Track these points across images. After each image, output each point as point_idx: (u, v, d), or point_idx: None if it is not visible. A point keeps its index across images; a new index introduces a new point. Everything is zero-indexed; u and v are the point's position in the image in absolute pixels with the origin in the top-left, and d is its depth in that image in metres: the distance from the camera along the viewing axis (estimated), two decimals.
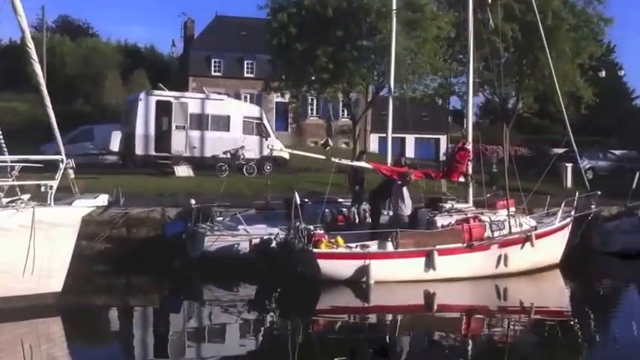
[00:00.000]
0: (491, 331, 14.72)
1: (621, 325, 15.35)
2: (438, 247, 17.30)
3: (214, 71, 52.64)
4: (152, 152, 28.78)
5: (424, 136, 58.02)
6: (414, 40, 29.39)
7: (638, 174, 23.88)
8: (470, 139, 19.70)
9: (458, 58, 33.59)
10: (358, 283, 16.66)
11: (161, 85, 31.33)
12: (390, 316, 15.80)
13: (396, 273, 17.02)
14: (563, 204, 20.03)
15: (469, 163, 19.43)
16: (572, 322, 15.60)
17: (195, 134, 29.43)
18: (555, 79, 23.37)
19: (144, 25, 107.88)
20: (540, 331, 14.48)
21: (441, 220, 17.95)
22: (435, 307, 16.49)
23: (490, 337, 14.30)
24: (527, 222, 19.31)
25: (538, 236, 18.68)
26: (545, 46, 23.17)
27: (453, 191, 21.43)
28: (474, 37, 19.56)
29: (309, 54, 29.03)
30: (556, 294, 18.71)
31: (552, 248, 19.42)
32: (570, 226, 20.22)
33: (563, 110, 22.23)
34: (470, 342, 13.63)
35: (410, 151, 60.35)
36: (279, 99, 53.83)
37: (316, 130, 55.78)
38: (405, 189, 18.15)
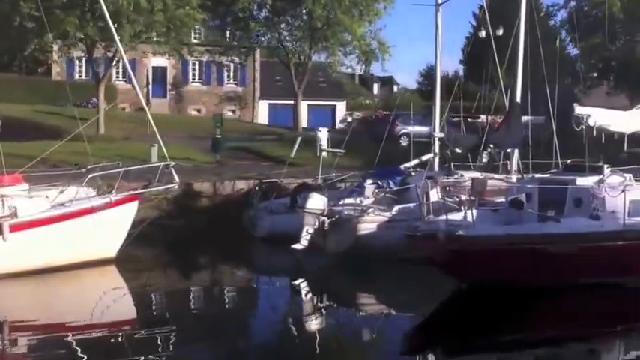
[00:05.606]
0: None
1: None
2: None
3: None
4: None
5: (319, 102, 53.03)
6: None
7: (298, 140, 19.33)
8: None
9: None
10: None
11: None
12: None
13: None
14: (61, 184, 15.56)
15: None
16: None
17: None
18: None
19: None
20: None
21: None
22: None
23: None
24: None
25: (20, 226, 14.21)
26: None
27: None
28: None
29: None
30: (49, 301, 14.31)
31: (80, 240, 15.18)
32: (132, 208, 15.94)
33: None
34: None
35: (302, 120, 55.61)
36: (157, 63, 49.13)
37: (198, 97, 51.74)
38: None
